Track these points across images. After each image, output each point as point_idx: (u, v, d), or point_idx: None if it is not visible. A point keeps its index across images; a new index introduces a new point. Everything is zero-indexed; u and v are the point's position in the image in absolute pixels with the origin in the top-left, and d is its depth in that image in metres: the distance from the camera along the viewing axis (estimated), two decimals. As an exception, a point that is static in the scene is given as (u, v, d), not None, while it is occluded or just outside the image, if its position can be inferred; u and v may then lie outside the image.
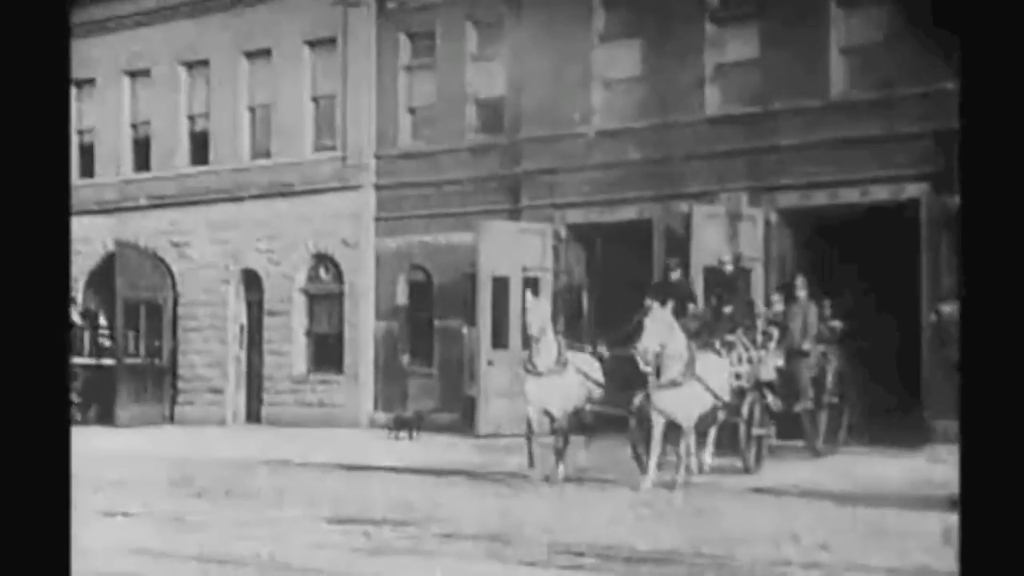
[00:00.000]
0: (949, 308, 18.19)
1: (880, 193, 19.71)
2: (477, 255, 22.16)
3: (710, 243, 19.59)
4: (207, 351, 27.04)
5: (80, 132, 28.77)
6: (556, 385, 15.58)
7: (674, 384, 14.76)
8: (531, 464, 15.57)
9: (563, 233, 22.83)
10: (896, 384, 19.44)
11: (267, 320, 26.38)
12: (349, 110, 25.46)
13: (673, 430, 14.92)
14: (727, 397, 15.51)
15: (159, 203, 27.91)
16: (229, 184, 26.94)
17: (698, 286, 18.75)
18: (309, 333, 26.18)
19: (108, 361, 26.99)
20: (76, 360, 25.74)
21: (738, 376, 16.07)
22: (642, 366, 14.95)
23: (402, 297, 24.94)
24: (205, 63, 27.45)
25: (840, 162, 19.88)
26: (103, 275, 28.07)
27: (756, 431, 16.00)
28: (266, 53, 26.56)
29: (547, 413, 15.83)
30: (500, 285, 21.96)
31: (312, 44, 26.01)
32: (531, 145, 23.14)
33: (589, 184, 22.49)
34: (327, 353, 25.81)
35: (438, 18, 24.49)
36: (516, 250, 22.22)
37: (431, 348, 24.39)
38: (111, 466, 17.33)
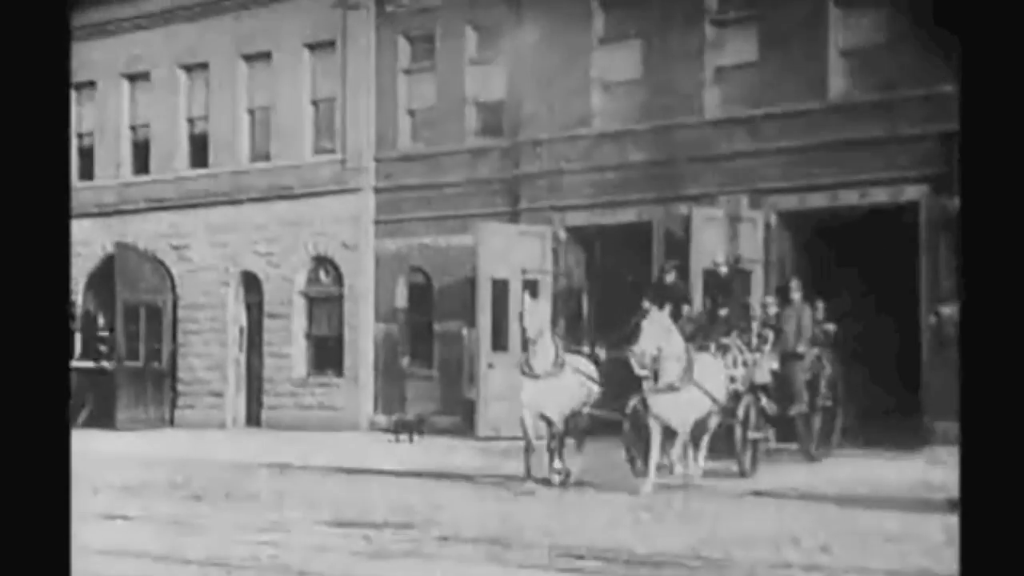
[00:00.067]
0: (949, 310, 18.19)
1: (880, 195, 19.70)
2: (477, 257, 22.15)
3: (710, 245, 19.56)
4: (207, 354, 27.01)
5: (80, 135, 28.75)
6: (553, 387, 15.27)
7: (671, 388, 14.73)
8: (528, 475, 15.20)
9: (563, 235, 22.82)
10: (895, 386, 19.46)
11: (267, 323, 26.35)
12: (348, 113, 25.45)
13: (668, 434, 14.88)
14: (723, 400, 15.49)
15: (159, 206, 27.88)
16: (229, 187, 26.91)
17: (697, 289, 18.73)
18: (309, 336, 26.15)
19: (106, 364, 26.96)
20: (72, 363, 25.71)
21: (733, 379, 16.05)
22: (637, 369, 14.90)
23: (402, 299, 24.91)
24: (205, 66, 27.43)
25: (840, 164, 19.87)
26: (103, 278, 28.04)
27: (752, 434, 15.98)
28: (265, 56, 26.54)
29: (544, 417, 15.46)
30: (500, 287, 21.93)
31: (311, 47, 26.00)
32: (530, 147, 23.13)
33: (589, 186, 22.47)
34: (327, 356, 25.79)
35: (437, 21, 24.48)
36: (516, 252, 22.20)
37: (431, 350, 24.36)
38: (111, 469, 17.34)
